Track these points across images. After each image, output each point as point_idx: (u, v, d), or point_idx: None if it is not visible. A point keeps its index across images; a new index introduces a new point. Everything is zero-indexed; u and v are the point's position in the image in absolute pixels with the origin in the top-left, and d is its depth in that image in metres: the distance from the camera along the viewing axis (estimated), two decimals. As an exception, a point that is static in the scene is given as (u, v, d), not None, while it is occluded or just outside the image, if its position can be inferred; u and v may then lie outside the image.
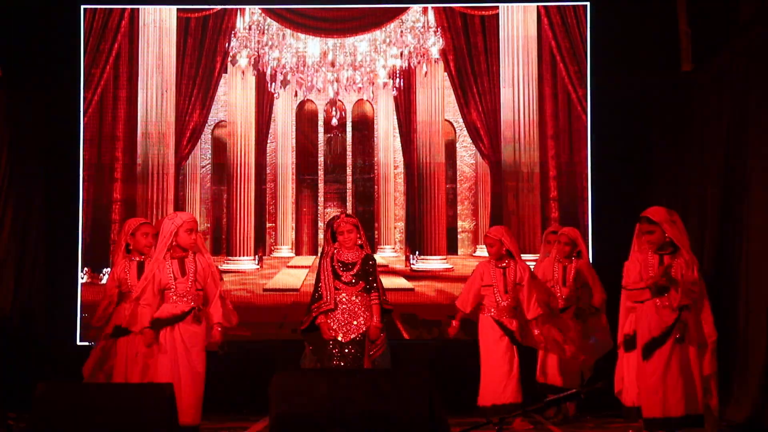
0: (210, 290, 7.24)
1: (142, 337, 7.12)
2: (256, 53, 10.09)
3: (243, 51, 10.07)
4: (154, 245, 7.49)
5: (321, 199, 10.14)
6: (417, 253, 9.93)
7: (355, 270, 7.51)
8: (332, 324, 7.47)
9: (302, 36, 10.14)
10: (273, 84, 10.09)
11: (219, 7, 10.07)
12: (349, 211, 9.89)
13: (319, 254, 9.47)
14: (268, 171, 10.10)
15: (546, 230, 9.16)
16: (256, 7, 10.11)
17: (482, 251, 9.96)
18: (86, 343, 9.16)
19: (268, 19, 10.12)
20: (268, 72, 10.08)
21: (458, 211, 10.04)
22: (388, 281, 8.67)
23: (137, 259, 7.68)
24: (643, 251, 7.21)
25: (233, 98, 10.12)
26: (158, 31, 10.05)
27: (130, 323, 7.37)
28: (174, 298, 7.16)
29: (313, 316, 7.52)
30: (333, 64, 10.11)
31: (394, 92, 10.09)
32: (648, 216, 7.15)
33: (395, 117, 10.12)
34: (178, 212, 7.48)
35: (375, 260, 7.67)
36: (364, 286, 7.52)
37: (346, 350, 7.44)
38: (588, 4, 9.91)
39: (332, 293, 7.48)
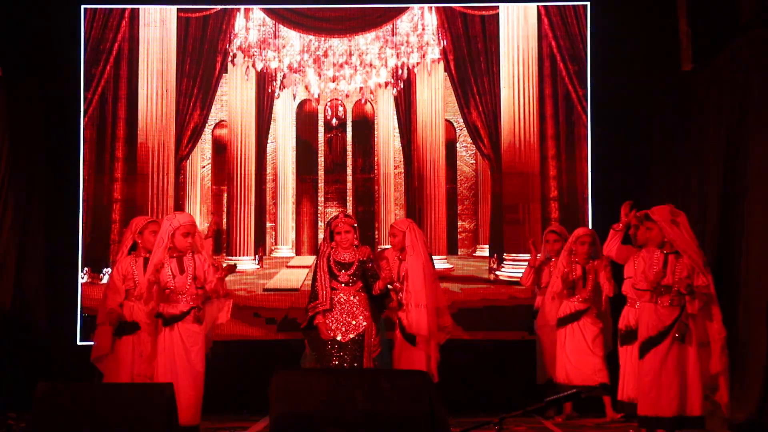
0: (209, 285, 7.26)
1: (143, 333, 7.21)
2: (256, 53, 10.09)
3: (243, 51, 10.07)
4: None
5: (321, 199, 10.14)
6: (417, 253, 9.92)
7: (352, 270, 7.51)
8: (331, 324, 7.46)
9: (302, 36, 10.14)
10: (273, 84, 10.10)
11: (219, 7, 10.07)
12: (349, 211, 9.89)
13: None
14: (268, 171, 10.10)
15: (546, 230, 9.15)
16: (257, 7, 10.11)
17: (482, 251, 9.97)
18: (86, 343, 9.17)
19: (269, 19, 10.12)
20: (266, 70, 10.09)
21: (458, 211, 10.04)
22: (388, 281, 8.73)
23: (144, 255, 7.71)
24: (649, 250, 7.23)
25: (233, 98, 10.12)
26: (158, 31, 10.04)
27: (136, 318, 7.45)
28: (173, 296, 7.17)
29: (309, 316, 7.52)
30: (333, 64, 10.11)
31: (394, 92, 10.09)
32: (647, 213, 7.19)
33: (395, 117, 10.12)
34: (177, 213, 7.47)
35: (372, 254, 7.67)
36: (362, 285, 7.52)
37: (345, 350, 7.44)
38: (588, 4, 9.91)
39: (328, 292, 7.48)
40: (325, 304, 7.46)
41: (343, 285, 7.51)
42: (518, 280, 9.71)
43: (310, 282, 9.63)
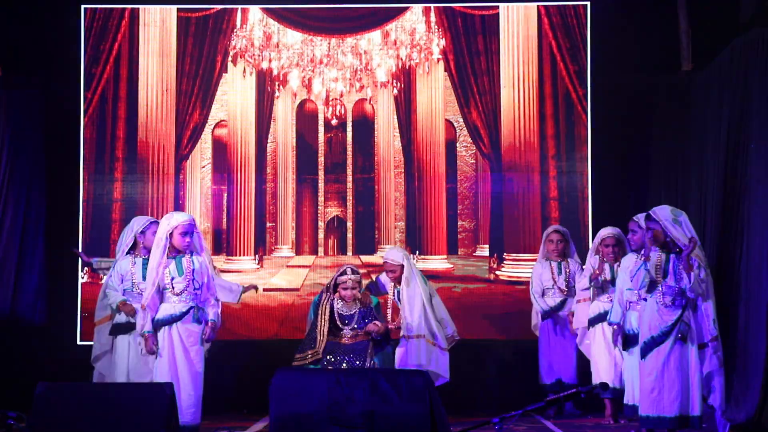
0: (208, 289, 7.25)
1: (143, 340, 7.15)
2: (256, 53, 10.09)
3: (243, 50, 10.07)
4: None
5: (321, 199, 10.14)
6: (417, 252, 9.93)
7: (354, 322, 7.57)
8: (337, 362, 7.52)
9: (302, 36, 10.13)
10: (273, 84, 10.10)
11: (219, 6, 10.07)
12: (349, 211, 9.91)
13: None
14: (268, 171, 10.10)
15: (546, 230, 9.14)
16: (257, 6, 10.11)
17: (482, 251, 9.97)
18: (86, 343, 9.16)
19: (269, 19, 10.12)
20: (266, 69, 10.09)
21: (458, 211, 10.04)
22: (388, 281, 8.74)
23: (143, 255, 7.71)
24: (651, 250, 7.22)
25: (233, 98, 10.12)
26: (158, 31, 10.04)
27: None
28: (172, 297, 7.17)
29: (305, 363, 7.55)
30: (333, 64, 10.11)
31: (394, 92, 10.09)
32: (649, 213, 7.20)
33: (395, 117, 10.12)
34: (175, 213, 7.45)
35: (372, 304, 7.70)
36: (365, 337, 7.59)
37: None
38: (588, 3, 9.91)
39: (325, 338, 7.53)
40: (319, 354, 7.50)
41: (346, 338, 7.59)
42: (518, 279, 9.71)
43: (310, 282, 9.70)
